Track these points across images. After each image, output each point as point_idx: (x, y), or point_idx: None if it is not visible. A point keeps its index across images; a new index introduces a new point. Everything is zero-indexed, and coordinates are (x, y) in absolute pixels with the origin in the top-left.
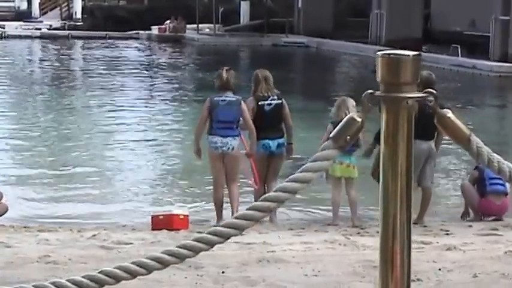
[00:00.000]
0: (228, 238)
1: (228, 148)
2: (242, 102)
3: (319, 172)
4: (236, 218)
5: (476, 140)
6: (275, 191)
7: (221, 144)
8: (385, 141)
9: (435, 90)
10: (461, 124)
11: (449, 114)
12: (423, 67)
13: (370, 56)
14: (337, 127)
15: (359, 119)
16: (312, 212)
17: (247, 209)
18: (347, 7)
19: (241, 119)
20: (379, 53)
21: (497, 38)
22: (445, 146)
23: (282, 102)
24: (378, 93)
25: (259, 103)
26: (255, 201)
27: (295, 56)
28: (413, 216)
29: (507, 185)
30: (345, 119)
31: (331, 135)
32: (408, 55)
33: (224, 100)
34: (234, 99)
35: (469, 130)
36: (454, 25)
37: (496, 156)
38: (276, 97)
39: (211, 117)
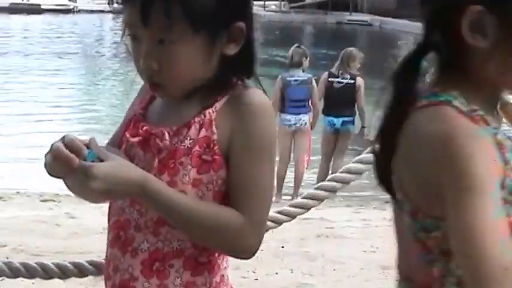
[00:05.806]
0: (295, 217)
1: (301, 124)
2: (313, 80)
3: None
4: (304, 197)
5: None
6: (341, 172)
7: (294, 121)
8: None
9: None
10: None
11: None
12: None
13: None
14: None
15: None
16: (372, 189)
17: (315, 188)
18: None
19: None
20: None
21: None
22: None
23: (354, 83)
24: None
25: (329, 79)
26: (318, 178)
27: (358, 35)
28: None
29: None
30: None
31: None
32: None
33: (296, 80)
34: (305, 78)
35: None
36: None
37: None
38: (348, 76)
39: (283, 96)
